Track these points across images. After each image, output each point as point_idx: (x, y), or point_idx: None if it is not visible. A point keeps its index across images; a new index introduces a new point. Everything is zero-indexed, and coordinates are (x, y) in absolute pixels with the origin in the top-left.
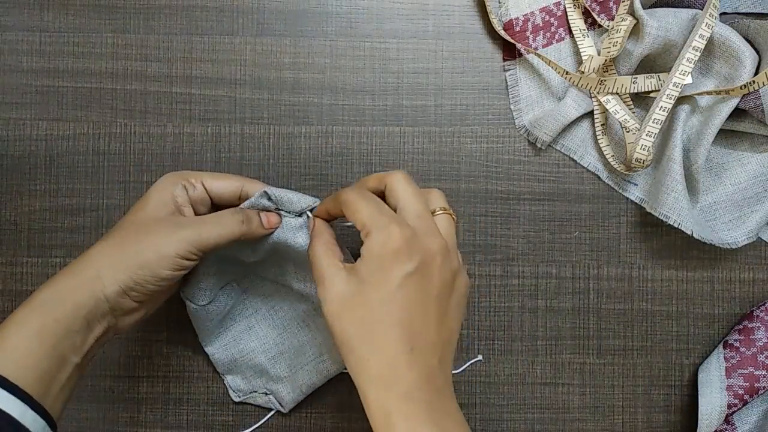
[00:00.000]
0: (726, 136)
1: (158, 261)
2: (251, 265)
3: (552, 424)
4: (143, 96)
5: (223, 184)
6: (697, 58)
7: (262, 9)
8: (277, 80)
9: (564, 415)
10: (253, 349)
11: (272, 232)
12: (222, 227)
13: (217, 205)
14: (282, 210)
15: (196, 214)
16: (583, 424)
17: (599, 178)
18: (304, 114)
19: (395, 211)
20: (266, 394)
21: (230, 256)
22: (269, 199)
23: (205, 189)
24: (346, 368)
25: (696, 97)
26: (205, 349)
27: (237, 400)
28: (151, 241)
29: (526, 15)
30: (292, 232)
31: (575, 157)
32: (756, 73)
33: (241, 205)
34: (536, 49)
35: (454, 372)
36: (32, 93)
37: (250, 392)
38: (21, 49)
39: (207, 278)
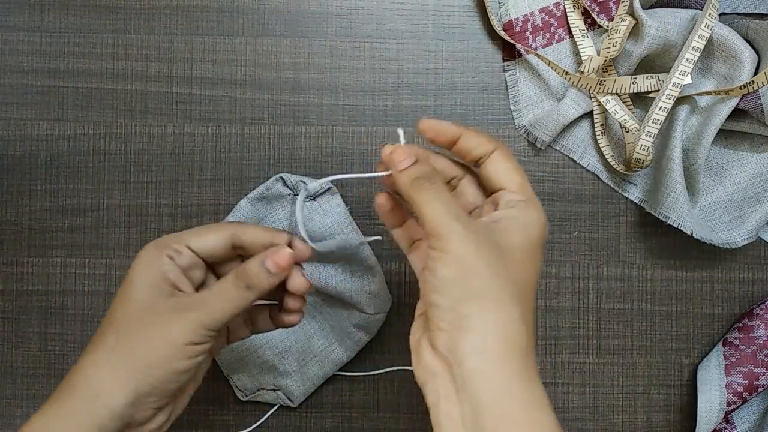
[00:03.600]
0: (725, 136)
1: (170, 354)
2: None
3: None
4: (144, 96)
5: (210, 241)
6: (696, 58)
7: (263, 9)
8: (278, 80)
9: (564, 415)
10: (260, 346)
11: (284, 274)
12: (228, 302)
13: (211, 264)
14: (298, 195)
15: (191, 281)
16: (583, 424)
17: (599, 178)
18: (305, 114)
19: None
20: (274, 390)
21: None
22: (284, 183)
23: (193, 251)
24: (354, 355)
25: (695, 97)
26: None
27: (244, 399)
28: (154, 334)
29: (525, 15)
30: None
31: (575, 158)
32: (755, 73)
33: (256, 191)
34: (536, 49)
35: None
36: (33, 93)
37: (257, 390)
38: (22, 50)
39: None
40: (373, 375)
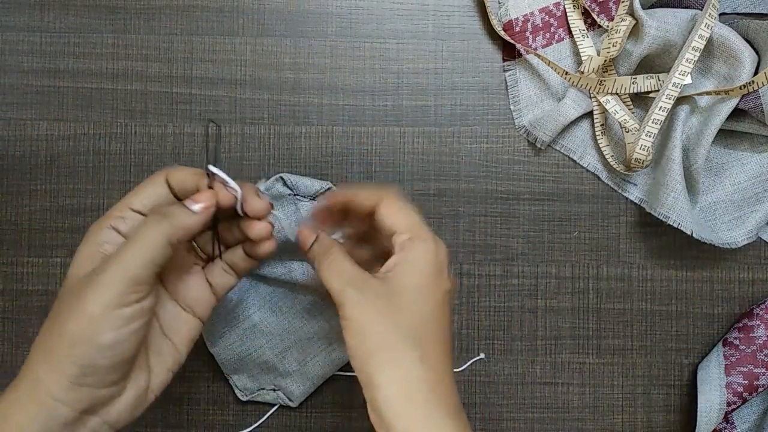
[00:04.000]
0: (725, 136)
1: (89, 328)
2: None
3: (551, 423)
4: (144, 96)
5: (147, 193)
6: (696, 58)
7: (263, 9)
8: (278, 80)
9: (563, 415)
10: (260, 346)
11: (211, 213)
12: (140, 241)
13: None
14: (298, 194)
15: None
16: (583, 424)
17: (599, 178)
18: (304, 114)
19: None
20: (274, 390)
21: None
22: (284, 184)
23: (138, 211)
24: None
25: (695, 97)
26: (211, 350)
27: (244, 399)
28: (73, 307)
29: (525, 15)
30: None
31: (575, 158)
32: (755, 73)
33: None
34: (536, 49)
35: (456, 370)
36: (33, 93)
37: (258, 390)
38: (22, 50)
39: None
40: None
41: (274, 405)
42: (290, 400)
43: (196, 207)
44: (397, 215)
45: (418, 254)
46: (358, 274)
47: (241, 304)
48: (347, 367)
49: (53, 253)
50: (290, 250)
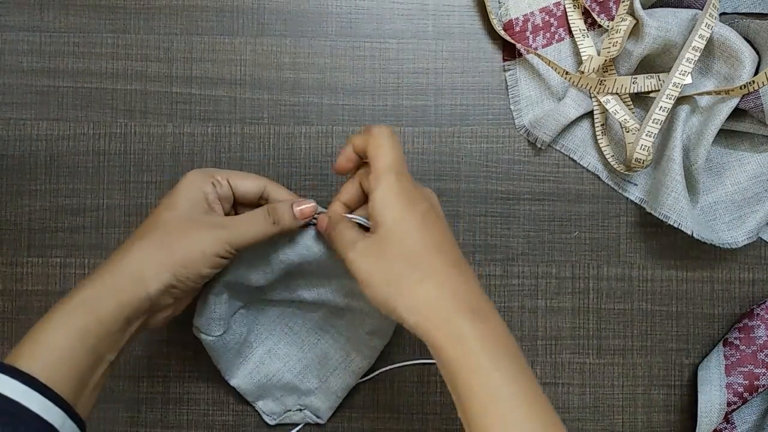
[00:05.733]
0: (726, 136)
1: (200, 259)
2: (259, 289)
3: None
4: (143, 96)
5: (247, 184)
6: (696, 58)
7: (262, 9)
8: (277, 80)
9: (564, 415)
10: (279, 370)
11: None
12: (256, 227)
13: (238, 202)
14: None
15: (223, 210)
16: (583, 424)
17: (599, 178)
18: (304, 114)
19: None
20: (300, 410)
21: (238, 282)
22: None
23: (231, 187)
24: (373, 362)
25: (696, 97)
26: (231, 383)
27: (272, 423)
28: (192, 240)
29: (525, 15)
30: (307, 245)
31: (575, 157)
32: (756, 73)
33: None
34: (536, 49)
35: None
36: (32, 93)
37: (284, 412)
38: (21, 49)
39: (219, 306)
40: (373, 376)
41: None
42: (318, 417)
43: (300, 216)
44: (375, 156)
45: (383, 192)
46: (355, 235)
47: (252, 333)
48: (368, 373)
49: (53, 253)
50: (297, 271)
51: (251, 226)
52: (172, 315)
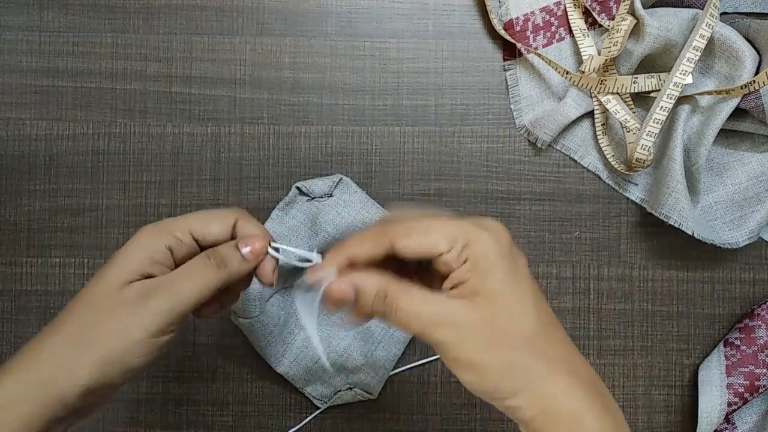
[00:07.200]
0: (726, 135)
1: (129, 350)
2: (292, 272)
3: None
4: (143, 96)
5: (214, 229)
6: (697, 57)
7: (262, 9)
8: (277, 80)
9: None
10: (323, 352)
11: (256, 265)
12: (197, 281)
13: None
14: (315, 198)
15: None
16: None
17: (600, 178)
18: (304, 114)
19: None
20: (350, 388)
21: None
22: (301, 192)
23: (196, 240)
24: None
25: (696, 96)
26: (278, 371)
27: (323, 406)
28: (118, 326)
29: (526, 15)
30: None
31: (575, 157)
32: (756, 72)
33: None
34: (536, 48)
35: None
36: (32, 93)
37: (335, 393)
38: (21, 49)
39: (252, 286)
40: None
41: (275, 405)
42: (369, 393)
43: (251, 257)
44: (423, 239)
45: (485, 254)
46: (438, 309)
47: (290, 318)
48: (411, 341)
49: (52, 253)
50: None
51: (191, 281)
52: (106, 406)
